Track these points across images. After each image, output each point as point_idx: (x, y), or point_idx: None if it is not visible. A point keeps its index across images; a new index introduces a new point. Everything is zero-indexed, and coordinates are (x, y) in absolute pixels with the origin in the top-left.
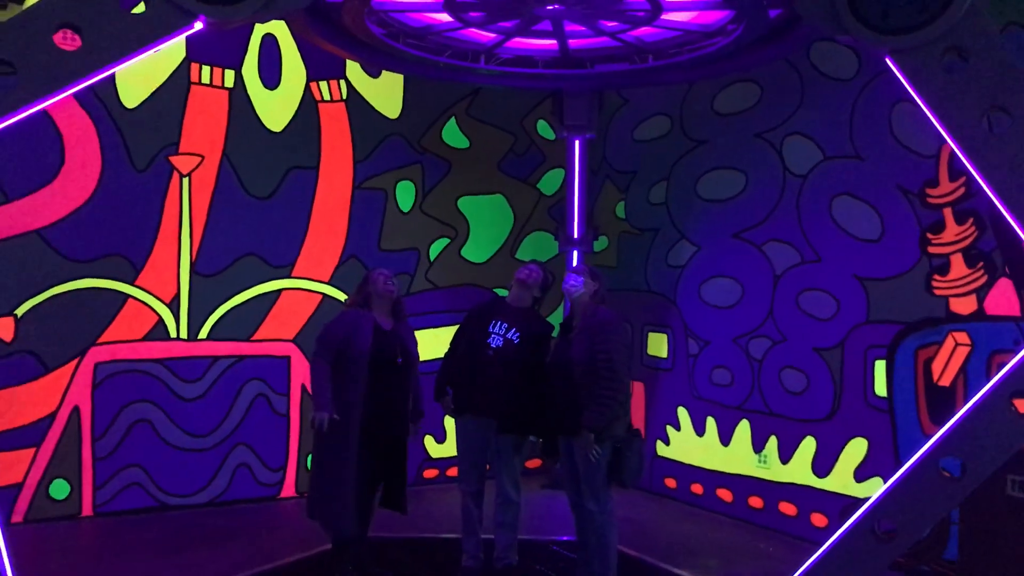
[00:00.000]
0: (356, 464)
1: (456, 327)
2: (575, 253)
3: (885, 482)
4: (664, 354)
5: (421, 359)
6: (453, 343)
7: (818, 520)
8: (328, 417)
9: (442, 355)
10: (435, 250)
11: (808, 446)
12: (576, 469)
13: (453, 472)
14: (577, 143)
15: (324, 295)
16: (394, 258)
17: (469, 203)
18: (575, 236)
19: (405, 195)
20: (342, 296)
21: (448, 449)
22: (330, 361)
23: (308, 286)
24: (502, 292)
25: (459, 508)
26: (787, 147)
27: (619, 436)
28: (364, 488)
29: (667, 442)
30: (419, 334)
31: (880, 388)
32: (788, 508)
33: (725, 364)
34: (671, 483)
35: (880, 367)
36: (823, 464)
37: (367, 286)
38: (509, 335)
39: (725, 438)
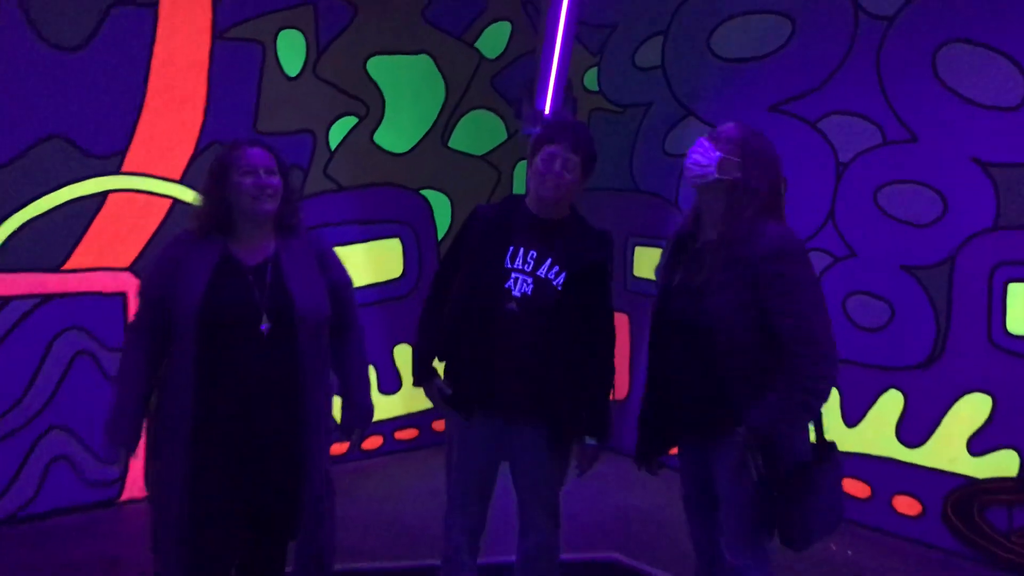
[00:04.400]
0: (202, 491)
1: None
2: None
3: (1021, 456)
4: None
5: None
6: (438, 284)
7: (905, 506)
8: (126, 453)
9: (354, 286)
10: (337, 134)
11: (891, 403)
12: (713, 493)
13: (404, 435)
14: None
15: (175, 200)
16: (278, 144)
17: (383, 66)
18: (546, 112)
19: (291, 51)
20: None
21: (396, 405)
22: (153, 329)
23: (149, 186)
24: (436, 196)
25: (418, 500)
26: None
27: (800, 451)
28: (220, 525)
29: None
30: None
31: (1016, 324)
32: (856, 488)
33: None
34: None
35: (1017, 293)
36: (916, 428)
37: (222, 186)
38: (544, 272)
39: None
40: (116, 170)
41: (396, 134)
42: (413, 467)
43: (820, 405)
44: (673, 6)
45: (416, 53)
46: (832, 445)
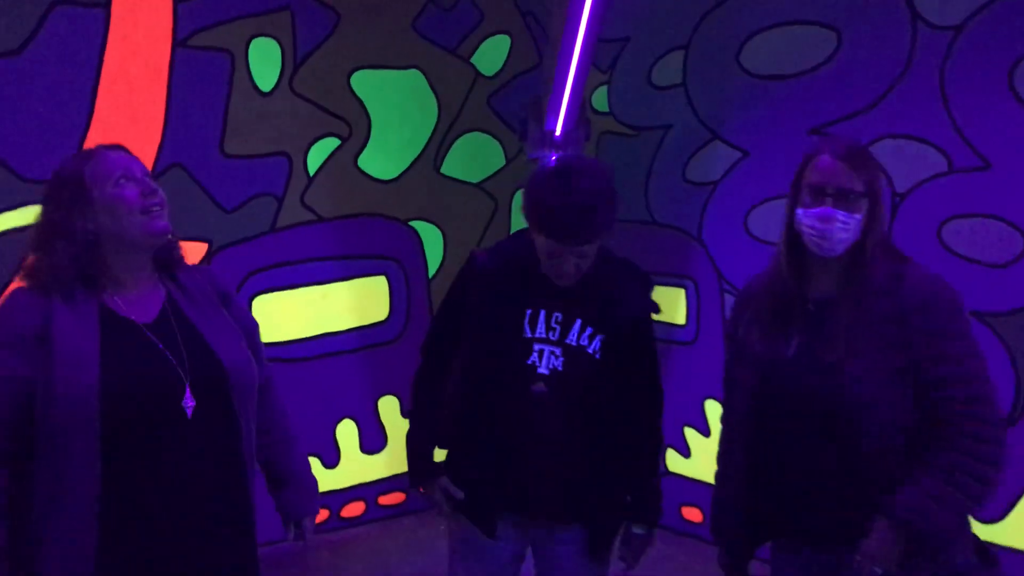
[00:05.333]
0: None
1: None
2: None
3: None
4: (681, 320)
5: (278, 341)
6: (433, 357)
7: None
8: None
9: (334, 330)
10: (316, 157)
11: None
12: None
13: (389, 500)
14: None
15: None
16: (249, 168)
17: (369, 81)
18: (557, 134)
19: (265, 63)
20: None
21: (379, 466)
22: (4, 442)
23: None
24: (426, 228)
25: None
26: None
27: (963, 561)
28: None
29: (686, 453)
30: (294, 297)
31: None
32: None
33: None
34: (694, 515)
35: None
36: (993, 501)
37: (84, 213)
38: (574, 338)
39: None
40: None
41: (383, 158)
42: (401, 537)
43: (985, 497)
44: (696, 17)
45: (406, 68)
46: (993, 557)
